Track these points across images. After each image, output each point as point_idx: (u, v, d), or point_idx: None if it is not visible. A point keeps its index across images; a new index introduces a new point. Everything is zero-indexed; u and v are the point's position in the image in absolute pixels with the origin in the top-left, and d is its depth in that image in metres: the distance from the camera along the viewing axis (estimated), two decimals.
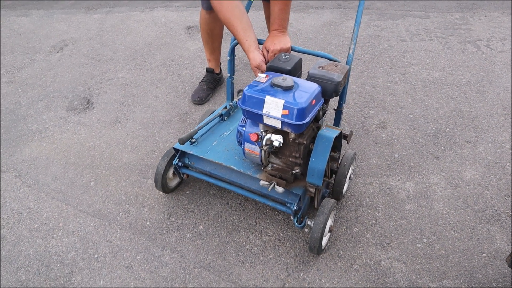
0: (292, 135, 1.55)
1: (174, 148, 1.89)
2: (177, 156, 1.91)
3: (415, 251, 1.75)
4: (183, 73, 3.01)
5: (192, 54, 3.25)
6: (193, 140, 1.89)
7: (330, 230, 1.73)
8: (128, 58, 3.23)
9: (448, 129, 2.42)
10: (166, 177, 1.94)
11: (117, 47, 3.38)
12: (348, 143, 1.82)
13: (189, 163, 1.92)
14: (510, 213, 1.90)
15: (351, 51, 1.75)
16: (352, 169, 1.96)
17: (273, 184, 1.64)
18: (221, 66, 2.84)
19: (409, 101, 2.66)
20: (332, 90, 1.58)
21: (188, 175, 1.99)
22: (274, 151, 1.64)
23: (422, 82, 2.84)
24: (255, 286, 1.64)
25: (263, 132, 1.58)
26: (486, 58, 3.08)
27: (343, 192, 1.93)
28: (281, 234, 1.84)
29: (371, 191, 2.04)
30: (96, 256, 1.78)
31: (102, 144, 2.39)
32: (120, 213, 1.96)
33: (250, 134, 1.57)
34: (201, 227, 1.88)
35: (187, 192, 2.06)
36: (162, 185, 1.93)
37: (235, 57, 2.06)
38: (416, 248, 1.77)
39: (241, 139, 1.70)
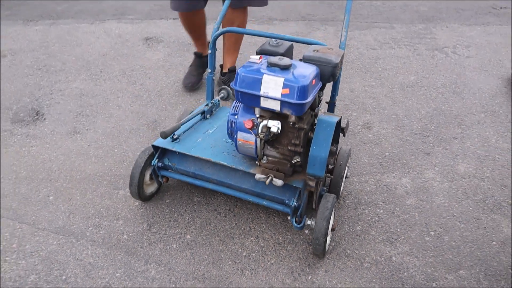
0: (293, 118, 1.53)
1: (153, 146, 1.80)
2: (157, 155, 1.81)
3: (424, 244, 1.77)
4: (147, 83, 2.94)
5: (153, 64, 3.19)
6: (174, 137, 1.81)
7: (332, 229, 1.70)
8: (80, 68, 3.10)
9: (433, 127, 2.55)
10: (143, 181, 1.83)
11: (67, 58, 3.24)
12: (344, 135, 1.84)
13: (170, 164, 1.83)
14: (511, 202, 1.99)
15: (343, 39, 1.80)
16: (348, 167, 1.97)
17: (270, 177, 1.60)
18: None
19: (390, 103, 2.78)
20: (329, 73, 1.60)
21: (167, 179, 1.89)
22: (270, 139, 1.61)
23: (398, 85, 2.99)
24: None
25: (258, 119, 1.55)
26: (455, 63, 3.34)
27: (340, 191, 1.93)
28: (280, 238, 1.78)
29: (368, 188, 2.06)
30: (64, 277, 1.59)
31: (59, 156, 2.22)
32: (90, 228, 1.80)
33: (245, 121, 1.54)
34: (188, 236, 1.77)
35: (167, 201, 1.95)
36: (139, 191, 1.81)
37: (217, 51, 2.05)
38: (425, 241, 1.78)
39: (233, 129, 1.66)
